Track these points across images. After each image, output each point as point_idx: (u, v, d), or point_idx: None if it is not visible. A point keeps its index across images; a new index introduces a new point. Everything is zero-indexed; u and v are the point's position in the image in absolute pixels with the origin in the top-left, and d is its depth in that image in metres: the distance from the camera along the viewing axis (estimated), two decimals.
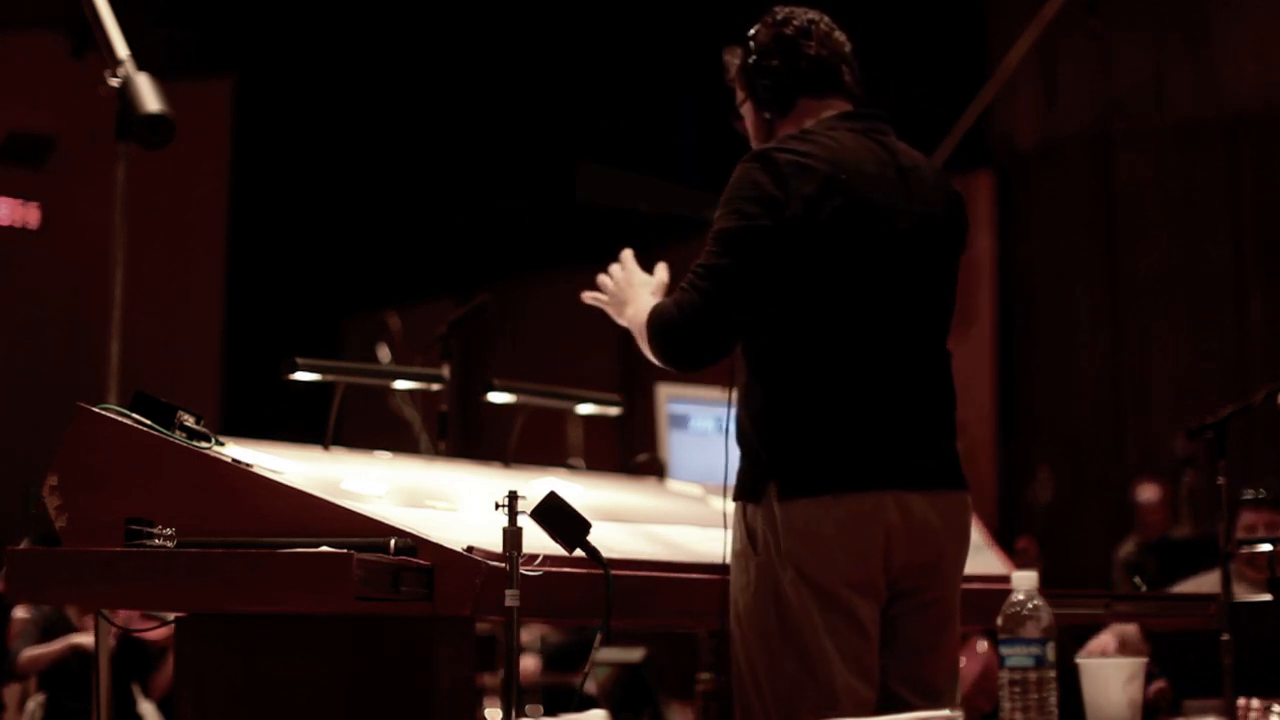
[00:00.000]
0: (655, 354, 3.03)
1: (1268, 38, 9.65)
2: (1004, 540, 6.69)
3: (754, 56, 3.10)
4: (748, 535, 2.94)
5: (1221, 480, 3.97)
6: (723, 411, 4.86)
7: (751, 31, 3.13)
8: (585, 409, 4.27)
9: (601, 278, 3.27)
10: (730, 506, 3.05)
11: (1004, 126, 10.37)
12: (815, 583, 2.87)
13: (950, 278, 3.10)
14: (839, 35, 3.13)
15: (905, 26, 9.86)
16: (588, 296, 3.29)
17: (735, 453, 3.04)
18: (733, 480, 3.03)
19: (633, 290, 3.19)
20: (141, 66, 2.75)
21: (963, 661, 6.54)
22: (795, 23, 3.10)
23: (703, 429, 5.01)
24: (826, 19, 3.14)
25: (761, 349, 2.97)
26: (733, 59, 3.16)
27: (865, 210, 2.95)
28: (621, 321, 3.20)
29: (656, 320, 3.01)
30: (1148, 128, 9.98)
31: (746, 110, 3.17)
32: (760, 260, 2.91)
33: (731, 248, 2.92)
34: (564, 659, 7.76)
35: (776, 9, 3.14)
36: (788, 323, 2.94)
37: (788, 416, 2.92)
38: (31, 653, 6.37)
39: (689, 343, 2.97)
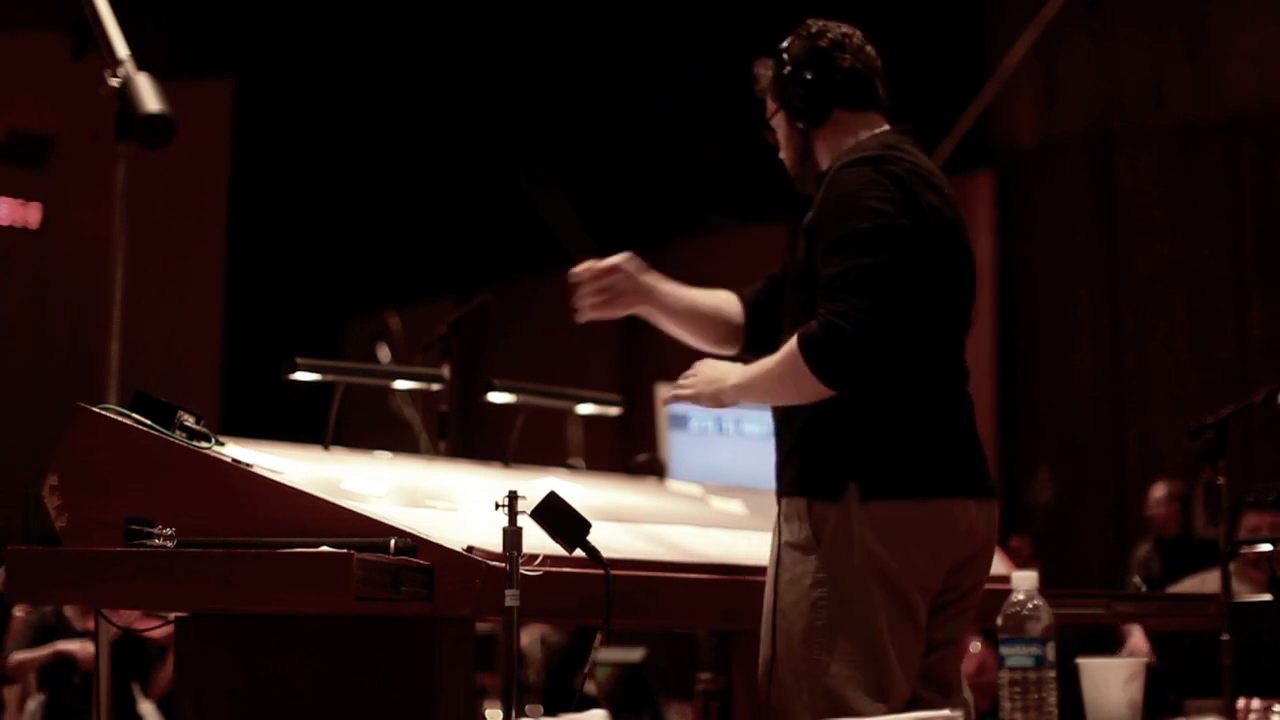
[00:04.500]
0: (824, 377, 2.88)
1: (1268, 38, 9.65)
2: (1002, 540, 6.69)
3: (788, 68, 3.12)
4: (812, 529, 2.93)
5: (1221, 480, 3.97)
6: (723, 411, 4.85)
7: (784, 44, 3.15)
8: (585, 409, 4.27)
9: (680, 381, 3.15)
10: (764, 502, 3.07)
11: (1004, 126, 10.37)
12: (891, 583, 2.90)
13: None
14: (871, 50, 3.16)
15: (905, 27, 9.85)
16: (669, 396, 3.19)
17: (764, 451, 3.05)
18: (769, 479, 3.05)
19: (714, 368, 3.10)
20: (141, 66, 2.74)
21: None
22: (829, 35, 3.12)
23: (703, 429, 5.00)
24: (859, 33, 3.16)
25: None
26: (764, 71, 3.18)
27: (961, 224, 3.05)
28: (728, 401, 3.07)
29: (816, 342, 2.87)
30: (1148, 128, 9.98)
31: (778, 122, 3.19)
32: (906, 255, 2.90)
33: (876, 246, 2.88)
34: (564, 659, 7.76)
35: (810, 22, 3.16)
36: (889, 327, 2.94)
37: (878, 418, 2.94)
38: (19, 657, 6.40)
39: (865, 351, 2.85)
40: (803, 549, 2.95)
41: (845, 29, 3.15)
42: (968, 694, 3.16)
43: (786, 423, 3.04)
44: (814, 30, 3.13)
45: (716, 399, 3.08)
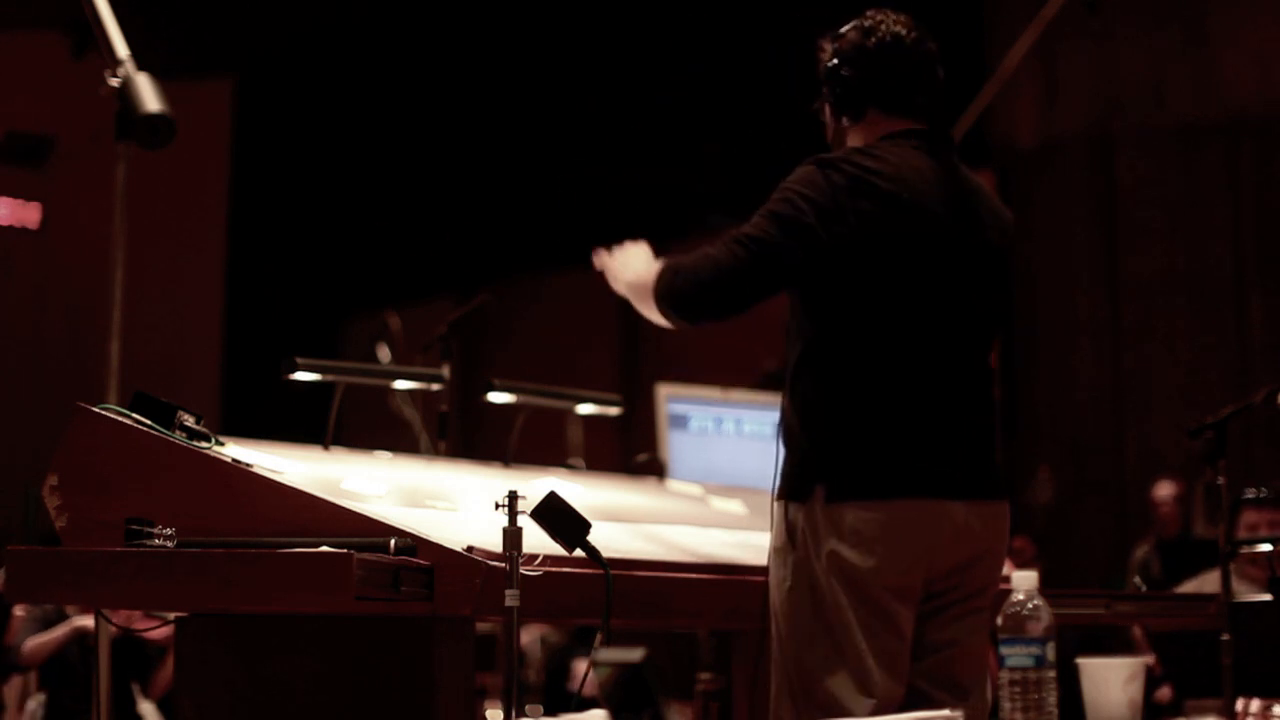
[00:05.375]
0: (662, 297, 3.05)
1: (1268, 38, 9.65)
2: None
3: (834, 60, 3.14)
4: (788, 532, 2.96)
5: (1221, 480, 3.97)
6: (723, 412, 4.86)
7: (843, 30, 3.15)
8: (585, 409, 4.27)
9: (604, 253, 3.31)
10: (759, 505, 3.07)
11: (1004, 126, 10.37)
12: (854, 583, 2.89)
13: (998, 297, 3.15)
14: (924, 49, 3.14)
15: None
16: (599, 261, 3.32)
17: (776, 453, 3.06)
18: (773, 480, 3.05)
19: (637, 258, 3.23)
20: (141, 66, 2.74)
21: None
22: (879, 34, 3.11)
23: (703, 429, 5.01)
24: (916, 31, 3.14)
25: (818, 354, 2.99)
26: (825, 51, 3.18)
27: (924, 228, 3.00)
28: (620, 287, 3.23)
29: (673, 266, 3.05)
30: (1148, 128, 9.98)
31: (825, 107, 3.22)
32: (804, 250, 2.94)
33: (777, 226, 2.96)
34: (564, 659, 7.76)
35: (870, 13, 3.15)
36: (845, 331, 2.97)
37: (840, 421, 2.95)
38: (35, 641, 6.36)
39: (707, 291, 3.00)
40: (783, 550, 2.98)
41: (899, 27, 3.12)
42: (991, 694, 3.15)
43: (778, 427, 3.07)
44: (867, 26, 3.13)
45: (616, 284, 3.26)
